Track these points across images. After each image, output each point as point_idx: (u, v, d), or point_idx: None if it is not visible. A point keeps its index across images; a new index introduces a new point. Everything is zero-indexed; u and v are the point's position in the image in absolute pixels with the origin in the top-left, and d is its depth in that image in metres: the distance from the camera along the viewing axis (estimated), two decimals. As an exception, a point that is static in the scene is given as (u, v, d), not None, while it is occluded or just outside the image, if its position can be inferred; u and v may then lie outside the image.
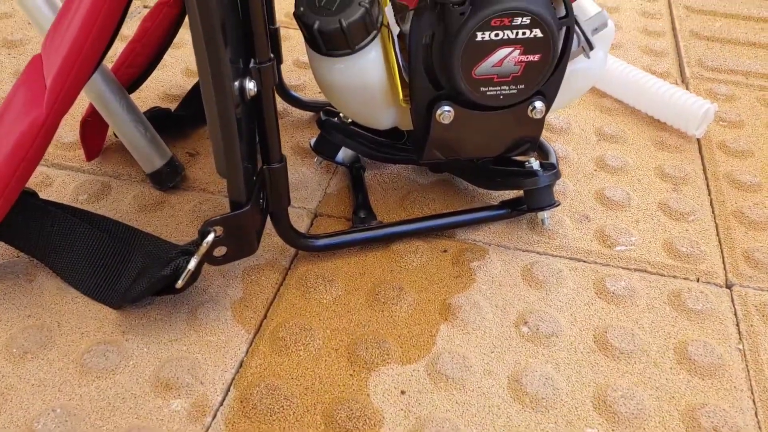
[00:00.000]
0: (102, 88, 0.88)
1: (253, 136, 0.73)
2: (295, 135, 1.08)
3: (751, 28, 1.45)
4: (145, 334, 0.76)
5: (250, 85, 0.66)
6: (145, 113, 0.99)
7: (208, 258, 0.71)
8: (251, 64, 0.67)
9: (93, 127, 0.95)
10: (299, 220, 0.93)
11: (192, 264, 0.70)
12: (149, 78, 1.11)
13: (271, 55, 0.68)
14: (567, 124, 1.13)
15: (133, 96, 1.10)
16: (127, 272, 0.79)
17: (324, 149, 0.95)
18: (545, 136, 1.10)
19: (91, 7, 0.64)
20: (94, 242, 0.80)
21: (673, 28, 1.44)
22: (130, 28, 1.20)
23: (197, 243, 0.71)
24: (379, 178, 1.00)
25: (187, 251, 0.73)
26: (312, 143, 0.96)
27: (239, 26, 0.66)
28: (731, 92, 1.24)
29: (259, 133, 0.73)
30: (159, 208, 0.94)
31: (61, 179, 0.98)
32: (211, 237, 0.69)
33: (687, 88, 1.24)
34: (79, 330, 0.76)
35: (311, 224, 0.93)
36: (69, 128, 1.06)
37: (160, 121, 0.99)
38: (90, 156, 0.99)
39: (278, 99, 1.10)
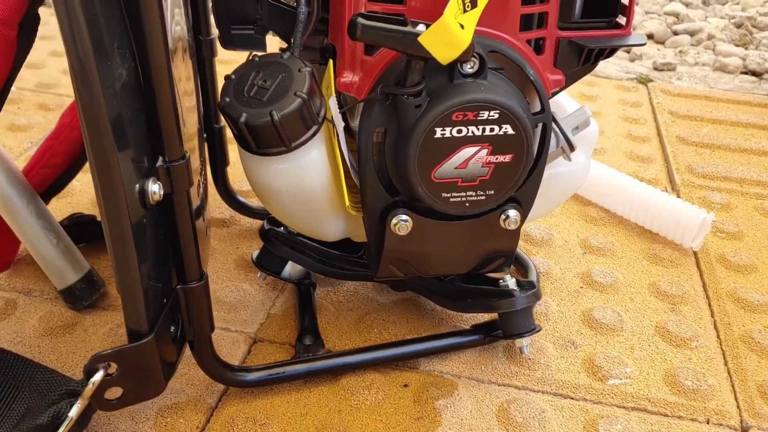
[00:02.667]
0: (7, 191, 0.75)
1: (163, 248, 0.59)
2: (241, 246, 0.95)
3: (741, 133, 1.36)
4: (17, 500, 0.60)
5: (154, 188, 0.54)
6: (63, 221, 0.86)
7: (98, 402, 0.56)
8: (159, 163, 0.55)
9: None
10: (234, 347, 0.78)
11: (74, 411, 0.55)
12: (80, 181, 1.00)
13: (185, 152, 0.56)
14: (548, 234, 1.01)
15: (60, 202, 0.98)
16: (9, 415, 0.64)
17: (268, 263, 0.82)
18: (524, 248, 0.98)
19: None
20: (-30, 377, 0.65)
21: (659, 134, 1.36)
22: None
23: (84, 382, 0.56)
24: (332, 296, 0.86)
25: (74, 392, 0.58)
26: (254, 256, 0.83)
27: (146, 116, 0.54)
28: (726, 200, 1.13)
29: (172, 246, 0.60)
30: (69, 332, 0.79)
31: (-40, 296, 0.84)
32: (99, 376, 0.55)
33: (678, 196, 1.14)
34: (-66, 493, 0.60)
35: (249, 351, 0.78)
36: (-22, 236, 0.92)
37: (82, 229, 0.86)
38: (-4, 269, 0.85)
39: (225, 206, 0.98)
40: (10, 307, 0.82)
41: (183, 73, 0.69)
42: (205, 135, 0.88)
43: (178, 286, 0.61)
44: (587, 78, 1.59)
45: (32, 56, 1.47)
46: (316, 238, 0.74)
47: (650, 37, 1.86)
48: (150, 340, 0.56)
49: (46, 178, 0.82)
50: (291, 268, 0.84)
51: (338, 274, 0.81)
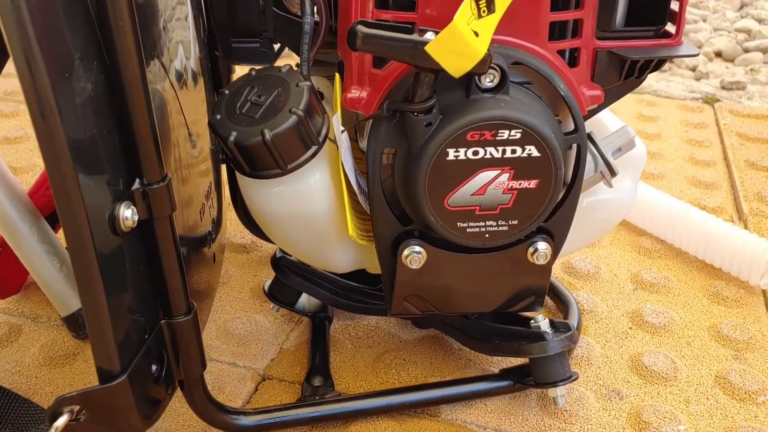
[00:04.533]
0: (8, 211, 0.72)
1: (145, 278, 0.54)
2: (260, 274, 0.90)
3: (820, 158, 1.24)
4: None
5: (127, 213, 0.48)
6: (71, 244, 0.82)
7: (63, 450, 0.51)
8: (135, 185, 0.50)
9: (6, 259, 0.79)
10: (240, 384, 0.72)
11: (35, 460, 0.50)
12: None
13: (166, 174, 0.51)
14: (595, 267, 0.92)
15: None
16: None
17: (280, 294, 0.76)
18: (566, 281, 0.89)
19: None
20: (-50, 412, 0.61)
21: (725, 158, 1.24)
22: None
23: (47, 427, 0.51)
24: (350, 330, 0.80)
25: (42, 437, 0.53)
26: (266, 286, 0.77)
27: (120, 134, 0.49)
28: (802, 233, 1.02)
29: (156, 276, 0.54)
30: (69, 362, 0.75)
31: (-33, 320, 0.81)
32: (62, 421, 0.49)
33: (746, 227, 1.02)
34: None
35: (255, 389, 0.72)
36: (-9, 259, 0.90)
37: (92, 253, 0.82)
38: (4, 292, 0.82)
39: (246, 231, 0.93)
40: (14, 333, 0.79)
41: (195, 97, 0.64)
42: (222, 156, 0.83)
43: (162, 321, 0.55)
44: (647, 97, 1.49)
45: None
46: (324, 269, 0.67)
47: (718, 54, 1.74)
48: (122, 381, 0.51)
49: (52, 199, 0.78)
50: (306, 300, 0.78)
51: (353, 307, 0.74)
